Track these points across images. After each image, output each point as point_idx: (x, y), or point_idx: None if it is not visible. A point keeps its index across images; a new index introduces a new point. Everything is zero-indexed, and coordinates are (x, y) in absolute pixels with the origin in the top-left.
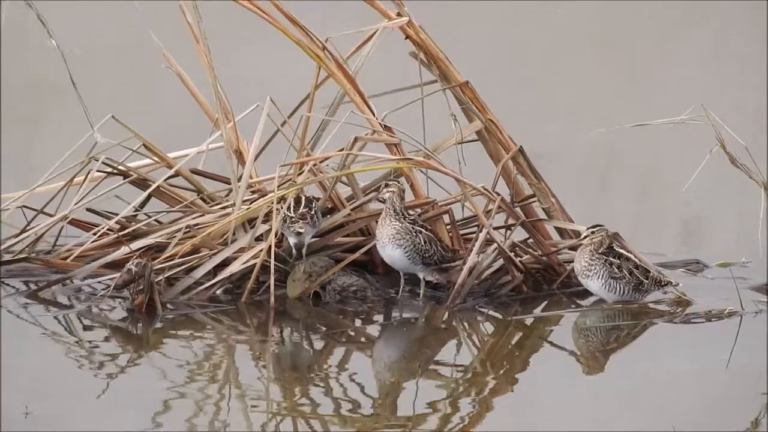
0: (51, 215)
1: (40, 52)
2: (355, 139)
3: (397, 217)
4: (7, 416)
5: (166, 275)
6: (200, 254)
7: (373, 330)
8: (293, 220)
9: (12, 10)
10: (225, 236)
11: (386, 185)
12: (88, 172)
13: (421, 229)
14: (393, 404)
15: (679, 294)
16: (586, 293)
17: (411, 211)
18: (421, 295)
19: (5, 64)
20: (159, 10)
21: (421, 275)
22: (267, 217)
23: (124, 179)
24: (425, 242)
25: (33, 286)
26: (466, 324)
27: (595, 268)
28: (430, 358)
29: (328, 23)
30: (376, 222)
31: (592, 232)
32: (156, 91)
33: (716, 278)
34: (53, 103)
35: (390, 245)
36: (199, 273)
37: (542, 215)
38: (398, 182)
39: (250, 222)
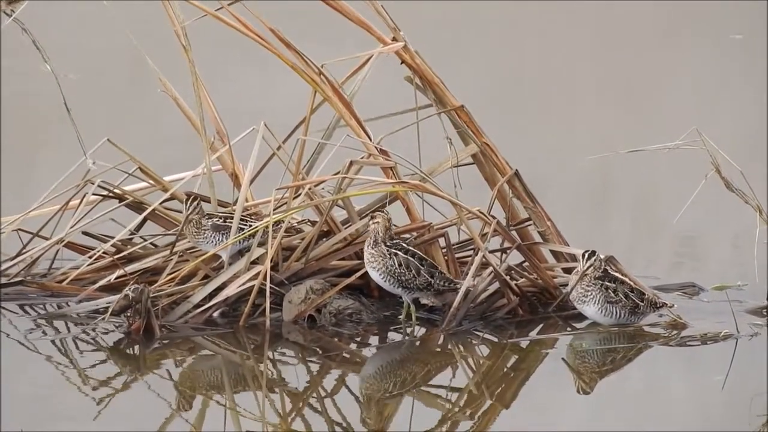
0: (47, 238)
1: (38, 75)
2: (351, 163)
3: (374, 243)
4: None
5: (164, 302)
6: (196, 281)
7: (369, 353)
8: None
9: (8, 33)
10: (220, 260)
11: (372, 217)
12: (84, 196)
13: (398, 252)
14: (387, 426)
15: (674, 317)
16: (582, 316)
17: (406, 236)
18: (412, 317)
19: (3, 87)
20: (156, 34)
21: (408, 299)
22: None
23: (119, 202)
24: (400, 265)
25: (29, 310)
26: (461, 347)
27: (592, 294)
28: (425, 381)
29: (324, 48)
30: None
31: (592, 264)
32: (153, 114)
33: (712, 301)
34: (51, 126)
35: (368, 268)
36: (197, 298)
37: (538, 238)
38: (384, 213)
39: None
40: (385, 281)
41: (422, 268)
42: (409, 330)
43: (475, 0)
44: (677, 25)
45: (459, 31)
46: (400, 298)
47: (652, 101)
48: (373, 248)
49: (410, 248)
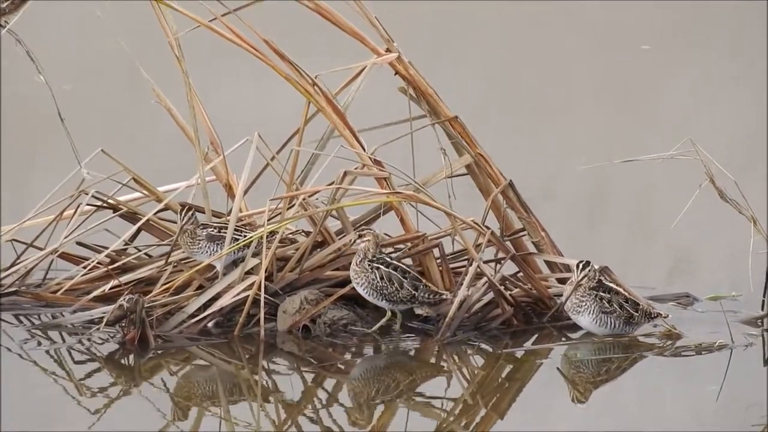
0: (41, 249)
1: (33, 84)
2: (345, 173)
3: (361, 260)
4: None
5: (158, 313)
6: (190, 292)
7: (363, 363)
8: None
9: (3, 43)
10: (214, 270)
11: (360, 236)
12: (78, 206)
13: (380, 266)
14: None
15: (669, 327)
16: (576, 326)
17: (400, 246)
18: (397, 321)
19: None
20: (153, 40)
21: (396, 311)
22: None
23: (113, 213)
24: (382, 279)
25: (24, 320)
26: (456, 357)
27: (586, 304)
28: (419, 391)
29: (317, 58)
30: None
31: (586, 273)
32: (148, 123)
33: (706, 312)
34: (46, 136)
35: (354, 283)
36: (191, 308)
37: (532, 249)
38: (372, 231)
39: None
40: (368, 295)
41: (405, 281)
42: (396, 327)
43: (471, 1)
44: (674, 28)
45: (452, 40)
46: (394, 314)
47: (649, 105)
48: (357, 265)
49: (393, 261)
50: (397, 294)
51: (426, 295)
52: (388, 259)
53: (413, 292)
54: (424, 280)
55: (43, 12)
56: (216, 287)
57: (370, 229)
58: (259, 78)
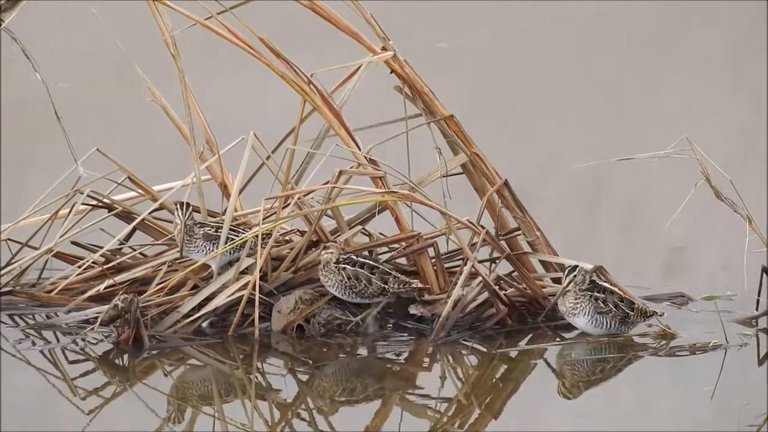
0: (36, 248)
1: (29, 83)
2: (340, 172)
3: (323, 266)
4: None
5: (153, 312)
6: (185, 291)
7: (356, 363)
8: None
9: (5, 37)
10: (209, 270)
11: (325, 248)
12: (73, 205)
13: (346, 266)
14: None
15: (663, 327)
16: (571, 326)
17: (395, 245)
18: (367, 323)
19: None
20: (150, 36)
21: (373, 305)
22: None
23: (108, 212)
24: (349, 278)
25: (18, 320)
26: (450, 357)
27: (581, 305)
28: (414, 391)
29: (313, 57)
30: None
31: (572, 279)
32: (144, 121)
33: (701, 311)
34: (41, 135)
35: (327, 287)
36: (186, 308)
37: (527, 248)
38: (337, 243)
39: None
40: (342, 295)
41: (373, 276)
42: (369, 323)
43: (467, 1)
44: (673, 27)
45: (450, 32)
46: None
47: (645, 104)
48: (324, 269)
49: (359, 259)
50: (368, 290)
51: (397, 286)
52: (355, 258)
53: (383, 285)
54: (393, 272)
55: (40, 10)
56: (211, 287)
57: (335, 242)
58: (254, 76)
